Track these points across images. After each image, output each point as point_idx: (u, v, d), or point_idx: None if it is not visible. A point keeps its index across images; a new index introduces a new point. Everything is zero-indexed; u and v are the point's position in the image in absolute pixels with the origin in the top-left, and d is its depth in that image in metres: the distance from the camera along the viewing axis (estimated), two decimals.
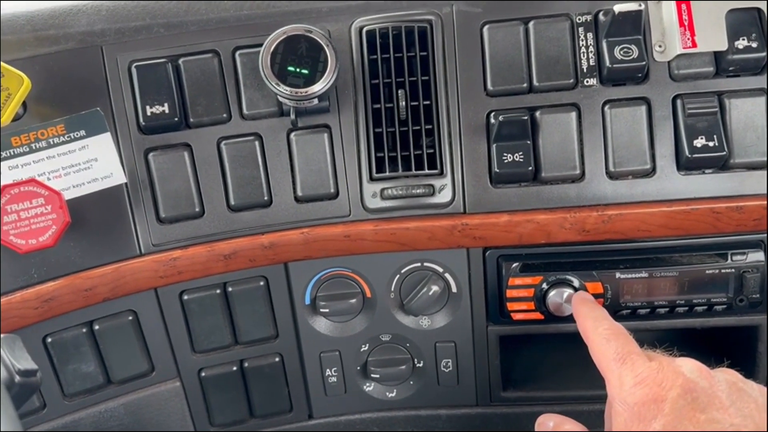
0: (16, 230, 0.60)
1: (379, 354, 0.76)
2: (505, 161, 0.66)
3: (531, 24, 0.67)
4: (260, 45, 0.67)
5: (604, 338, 0.55)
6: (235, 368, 0.76)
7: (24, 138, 0.66)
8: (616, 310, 0.70)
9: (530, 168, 0.66)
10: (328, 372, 0.77)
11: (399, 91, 0.68)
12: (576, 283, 0.69)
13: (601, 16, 0.67)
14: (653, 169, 0.67)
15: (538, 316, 0.71)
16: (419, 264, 0.73)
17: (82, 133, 0.67)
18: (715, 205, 0.66)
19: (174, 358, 0.74)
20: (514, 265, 0.70)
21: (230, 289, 0.73)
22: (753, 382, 0.51)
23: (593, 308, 0.60)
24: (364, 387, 0.78)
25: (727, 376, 0.50)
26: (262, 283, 0.73)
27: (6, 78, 0.60)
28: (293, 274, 0.74)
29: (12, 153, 0.66)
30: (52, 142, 0.66)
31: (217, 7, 0.69)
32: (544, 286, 0.70)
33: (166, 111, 0.67)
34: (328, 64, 0.64)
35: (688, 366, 0.50)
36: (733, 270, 0.68)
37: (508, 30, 0.67)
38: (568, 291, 0.68)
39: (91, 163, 0.67)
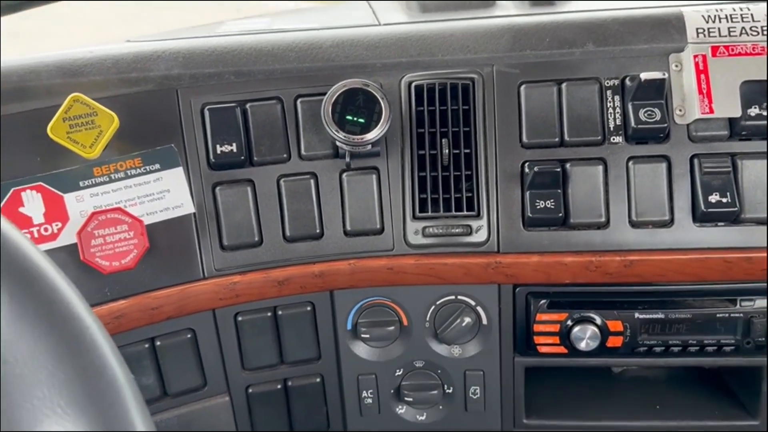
0: (102, 252, 0.67)
1: (412, 379, 0.82)
2: (538, 207, 0.73)
3: (564, 85, 0.75)
4: (319, 94, 0.75)
5: None
6: (279, 386, 0.82)
7: (105, 169, 0.73)
8: (634, 347, 0.77)
9: (560, 214, 0.73)
10: (364, 393, 0.83)
11: (443, 140, 0.76)
12: (598, 320, 0.76)
13: (627, 82, 0.75)
14: (671, 220, 0.74)
15: (562, 350, 0.78)
16: (453, 297, 0.80)
17: (157, 166, 0.74)
18: (727, 255, 0.73)
19: (225, 374, 0.81)
20: (542, 302, 0.77)
21: (280, 312, 0.80)
22: None
23: None
24: (397, 409, 0.84)
25: None
26: (309, 309, 0.80)
27: (99, 117, 0.68)
28: (338, 301, 0.80)
29: (93, 182, 0.73)
30: (129, 174, 0.74)
31: (282, 59, 0.77)
32: (569, 322, 0.76)
33: (234, 150, 0.75)
34: (383, 115, 0.72)
35: None
36: (741, 315, 0.75)
37: (543, 90, 0.75)
38: (591, 328, 0.75)
39: (163, 194, 0.74)
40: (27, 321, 0.36)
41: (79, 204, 0.72)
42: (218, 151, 0.75)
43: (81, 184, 0.72)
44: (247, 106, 0.76)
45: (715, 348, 0.76)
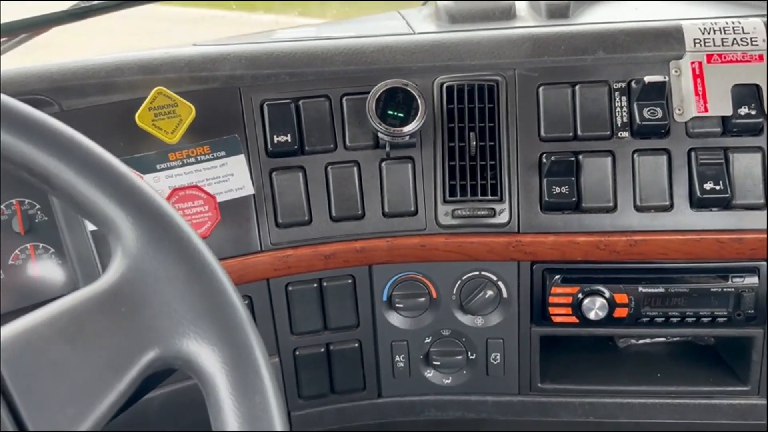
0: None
1: (440, 346, 0.93)
2: (554, 192, 0.84)
3: (577, 87, 0.85)
4: (362, 93, 0.86)
5: None
6: (322, 350, 0.93)
7: (178, 154, 0.84)
8: (638, 318, 0.87)
9: (573, 199, 0.83)
10: (397, 358, 0.94)
11: (470, 134, 0.86)
12: (606, 294, 0.86)
13: (633, 84, 0.85)
14: (671, 206, 0.84)
15: (574, 320, 0.88)
16: (477, 272, 0.90)
17: (223, 153, 0.85)
18: (720, 236, 0.83)
19: (276, 337, 0.91)
20: (556, 277, 0.87)
21: (325, 284, 0.90)
22: None
23: None
24: (425, 373, 0.95)
25: None
26: (350, 281, 0.90)
27: (179, 107, 0.79)
28: (375, 275, 0.91)
29: (168, 165, 0.84)
30: (199, 159, 0.85)
31: (330, 62, 0.88)
32: (580, 295, 0.86)
33: (288, 140, 0.86)
34: (419, 111, 0.83)
35: None
36: (732, 289, 0.85)
37: (559, 91, 0.86)
38: (600, 300, 0.85)
39: (228, 177, 0.85)
40: (164, 250, 0.47)
41: (156, 184, 0.83)
42: (275, 141, 0.86)
43: (158, 167, 0.83)
44: (300, 102, 0.87)
45: (710, 319, 0.86)
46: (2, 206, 0.83)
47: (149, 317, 0.45)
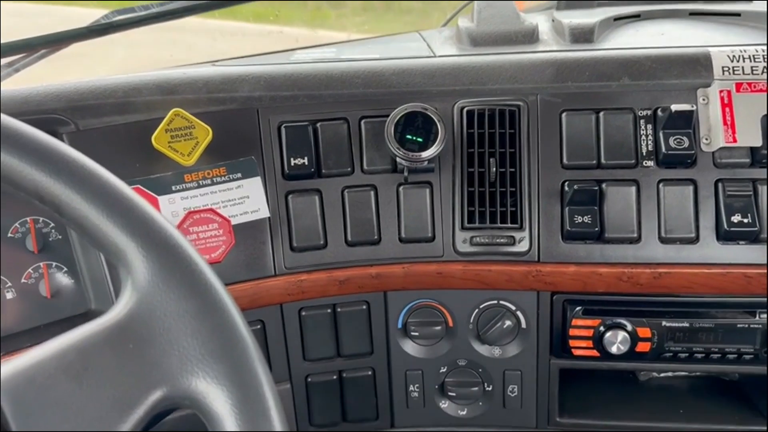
0: (195, 247, 0.77)
1: (455, 376, 0.90)
2: (576, 222, 0.81)
3: (601, 114, 0.83)
4: (381, 116, 0.84)
5: None
6: (335, 377, 0.91)
7: (194, 176, 0.84)
8: (661, 353, 0.84)
9: (596, 229, 0.81)
10: (411, 387, 0.92)
11: (490, 159, 0.84)
12: (629, 327, 0.83)
13: (659, 112, 0.83)
14: (697, 238, 0.81)
15: (594, 353, 0.85)
16: (495, 301, 0.88)
17: (239, 175, 0.84)
18: (748, 270, 0.80)
19: (288, 363, 0.90)
20: (578, 308, 0.85)
21: (339, 309, 0.88)
22: None
23: None
24: (440, 403, 0.92)
25: None
26: (364, 307, 0.89)
27: (196, 129, 0.78)
28: (390, 302, 0.89)
29: (183, 187, 0.83)
30: (215, 181, 0.84)
31: (349, 85, 0.87)
32: (602, 328, 0.84)
33: (305, 163, 0.85)
34: (439, 136, 0.81)
35: None
36: (760, 326, 0.82)
37: (583, 117, 0.84)
38: (622, 333, 0.83)
39: (243, 199, 0.84)
40: (174, 284, 0.45)
41: (171, 205, 0.82)
42: (292, 164, 0.85)
43: (173, 188, 0.82)
44: (318, 124, 0.86)
45: (735, 356, 0.83)
46: (16, 224, 0.83)
47: (157, 354, 0.44)
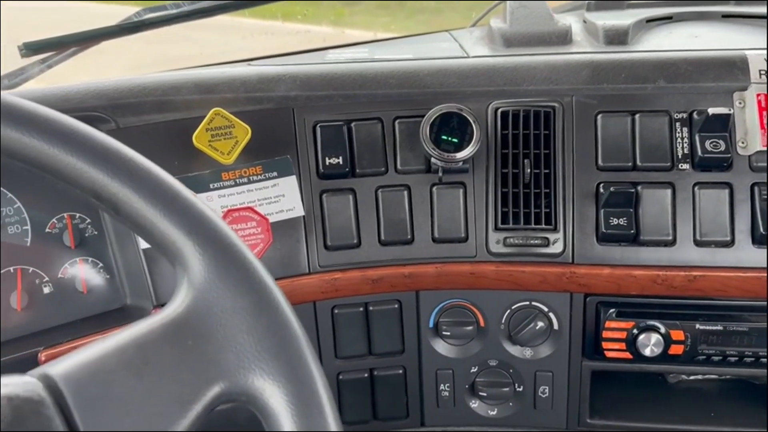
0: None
1: (486, 376, 0.91)
2: (611, 224, 0.81)
3: (637, 116, 0.83)
4: (415, 116, 0.85)
5: None
6: (366, 375, 0.91)
7: (231, 174, 0.84)
8: (694, 355, 0.84)
9: (632, 231, 0.81)
10: (441, 387, 0.92)
11: (525, 160, 0.84)
12: (662, 329, 0.83)
13: (695, 115, 0.83)
14: (732, 241, 0.81)
15: (627, 355, 0.85)
16: (528, 302, 0.88)
17: (275, 174, 0.85)
18: None
19: (320, 360, 0.90)
20: (611, 311, 0.85)
21: (371, 308, 0.89)
22: None
23: None
24: (471, 403, 0.93)
25: None
26: (396, 306, 0.89)
27: (236, 129, 0.79)
28: (422, 301, 0.89)
29: (221, 185, 0.84)
30: (251, 179, 0.85)
31: (383, 85, 0.87)
32: (635, 330, 0.84)
33: (340, 162, 0.85)
34: (474, 136, 0.81)
35: None
36: None
37: (618, 119, 0.84)
38: (656, 336, 0.83)
39: (279, 198, 0.85)
40: (230, 282, 0.46)
41: (209, 203, 0.82)
42: (326, 163, 0.85)
43: (211, 186, 0.83)
44: (352, 124, 0.86)
45: None
46: (53, 219, 0.84)
47: (215, 351, 0.44)
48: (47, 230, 0.84)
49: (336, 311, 0.89)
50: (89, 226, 0.86)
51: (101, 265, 0.86)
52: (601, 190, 0.83)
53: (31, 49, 0.99)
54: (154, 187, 0.47)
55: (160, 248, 0.48)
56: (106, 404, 0.41)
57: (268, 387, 0.44)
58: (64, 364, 0.42)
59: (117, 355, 0.43)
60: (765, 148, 0.81)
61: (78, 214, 0.85)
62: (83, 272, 0.85)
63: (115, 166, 0.47)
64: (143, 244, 0.81)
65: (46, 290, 0.84)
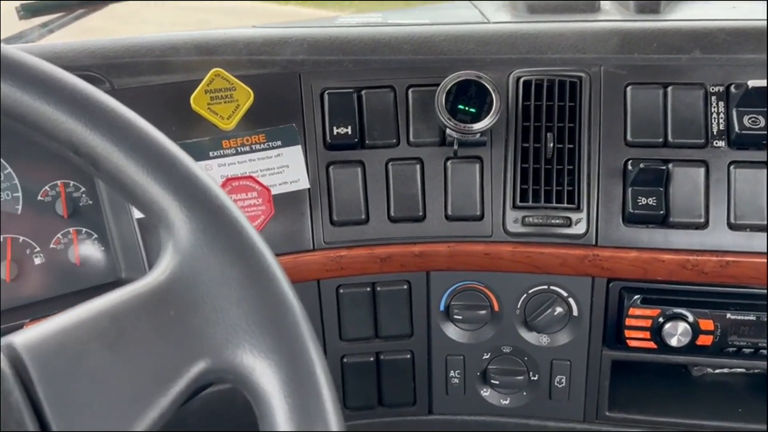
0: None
1: (499, 363, 0.86)
2: (639, 203, 0.76)
3: (669, 89, 0.77)
4: (430, 85, 0.79)
5: None
6: (372, 359, 0.87)
7: (232, 142, 0.79)
8: (723, 347, 0.78)
9: (661, 212, 0.75)
10: (451, 373, 0.87)
11: (547, 134, 0.79)
12: (690, 318, 0.78)
13: (732, 89, 0.77)
14: None
15: (652, 345, 0.80)
16: (546, 286, 0.83)
17: (279, 143, 0.80)
18: None
19: (323, 343, 0.86)
20: (636, 297, 0.79)
21: (378, 288, 0.84)
22: None
23: None
24: (482, 392, 0.88)
25: None
26: (405, 287, 0.84)
27: (237, 91, 0.74)
28: (433, 282, 0.84)
29: (221, 153, 0.79)
30: (253, 148, 0.79)
31: (397, 51, 0.82)
32: (661, 319, 0.78)
33: (349, 132, 0.80)
34: (493, 106, 0.76)
35: None
36: None
37: (649, 92, 0.78)
38: (683, 325, 0.77)
39: (283, 169, 0.80)
40: (220, 248, 0.41)
41: (208, 172, 0.77)
42: (334, 133, 0.80)
43: (211, 154, 0.78)
44: (363, 92, 0.81)
45: None
46: (46, 187, 0.80)
47: (200, 323, 0.40)
48: (39, 198, 0.80)
49: (341, 291, 0.84)
50: (83, 195, 0.81)
51: (96, 236, 0.81)
52: (630, 167, 0.77)
53: (29, 10, 0.94)
54: (137, 140, 0.42)
55: (142, 208, 0.42)
56: (74, 379, 0.36)
57: (259, 365, 0.39)
58: (30, 333, 0.37)
59: (89, 325, 0.38)
60: None
61: (72, 182, 0.81)
62: (76, 243, 0.81)
63: (94, 116, 0.42)
64: (137, 214, 0.77)
65: (38, 261, 0.80)
